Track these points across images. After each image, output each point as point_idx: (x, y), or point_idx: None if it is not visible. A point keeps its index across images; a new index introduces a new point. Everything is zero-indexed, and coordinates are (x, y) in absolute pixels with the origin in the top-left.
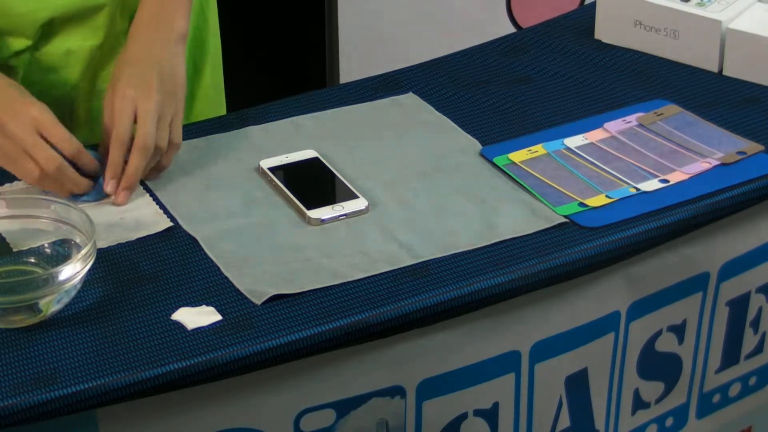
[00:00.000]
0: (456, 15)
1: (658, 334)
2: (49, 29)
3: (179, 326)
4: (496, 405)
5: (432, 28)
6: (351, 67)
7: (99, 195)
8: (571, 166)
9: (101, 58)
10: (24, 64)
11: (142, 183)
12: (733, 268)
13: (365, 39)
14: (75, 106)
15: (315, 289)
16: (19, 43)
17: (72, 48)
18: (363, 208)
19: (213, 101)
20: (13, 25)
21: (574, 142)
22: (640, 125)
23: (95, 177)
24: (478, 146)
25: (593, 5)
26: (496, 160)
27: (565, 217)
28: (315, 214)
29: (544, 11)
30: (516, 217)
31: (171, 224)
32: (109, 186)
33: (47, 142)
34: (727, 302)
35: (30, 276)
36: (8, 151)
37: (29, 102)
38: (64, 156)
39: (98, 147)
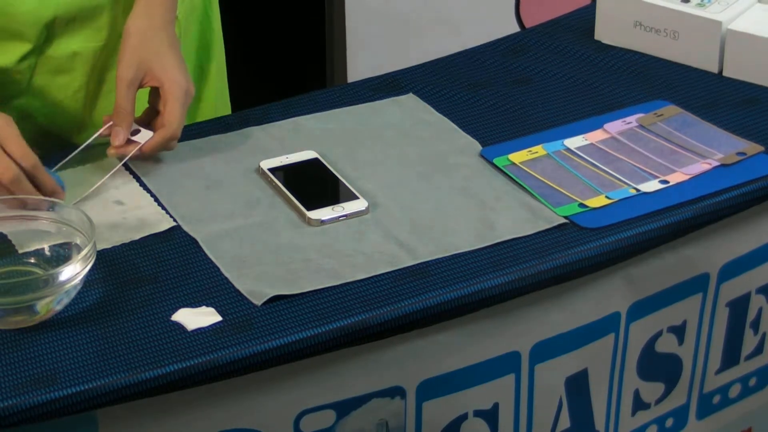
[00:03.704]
0: (465, 18)
1: (658, 335)
2: (52, 30)
3: (179, 327)
4: (496, 406)
5: (443, 30)
6: (359, 68)
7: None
8: (571, 166)
9: (106, 59)
10: (30, 68)
11: (142, 183)
12: (733, 269)
13: (374, 39)
14: (81, 109)
15: (315, 290)
16: (24, 47)
17: (77, 50)
18: (363, 208)
19: (218, 104)
20: (17, 26)
21: (574, 142)
22: (640, 126)
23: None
24: (478, 147)
25: (593, 6)
26: (496, 160)
27: (565, 217)
28: (315, 214)
29: (554, 15)
30: (516, 218)
31: (174, 223)
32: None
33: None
34: (727, 303)
35: (30, 277)
36: None
37: None
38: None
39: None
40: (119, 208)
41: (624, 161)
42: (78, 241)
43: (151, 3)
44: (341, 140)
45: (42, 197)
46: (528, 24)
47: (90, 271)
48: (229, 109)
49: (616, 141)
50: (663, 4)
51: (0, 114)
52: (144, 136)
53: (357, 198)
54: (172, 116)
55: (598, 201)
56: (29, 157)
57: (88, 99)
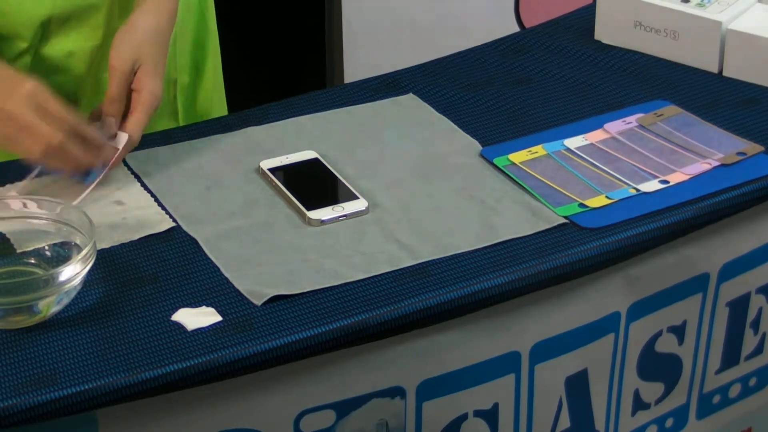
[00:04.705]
0: (465, 17)
1: (658, 334)
2: (48, 29)
3: (179, 327)
4: (496, 406)
5: (443, 29)
6: (356, 68)
7: (104, 170)
8: (571, 166)
9: (102, 58)
10: (26, 66)
11: (143, 183)
12: (733, 269)
13: (370, 39)
14: (78, 108)
15: (315, 290)
16: (19, 46)
17: (73, 49)
18: (363, 208)
19: (215, 102)
20: (12, 25)
21: (574, 142)
22: (640, 126)
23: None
24: (478, 147)
25: (593, 6)
26: (496, 160)
27: (565, 217)
28: (315, 214)
29: (554, 15)
30: (516, 218)
31: (174, 224)
32: None
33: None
34: (727, 303)
35: (30, 277)
36: (7, 131)
37: (22, 79)
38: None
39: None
40: (119, 208)
41: (624, 161)
42: (78, 241)
43: (161, 2)
44: (341, 140)
45: (92, 154)
46: (528, 24)
47: (90, 271)
48: (224, 106)
49: (616, 141)
50: (663, 4)
51: (28, 78)
52: (121, 139)
53: (357, 198)
54: (138, 125)
55: (598, 201)
56: (71, 116)
57: (84, 98)
